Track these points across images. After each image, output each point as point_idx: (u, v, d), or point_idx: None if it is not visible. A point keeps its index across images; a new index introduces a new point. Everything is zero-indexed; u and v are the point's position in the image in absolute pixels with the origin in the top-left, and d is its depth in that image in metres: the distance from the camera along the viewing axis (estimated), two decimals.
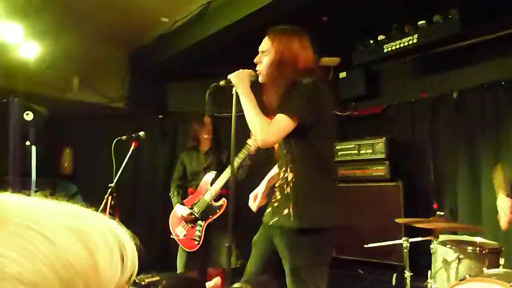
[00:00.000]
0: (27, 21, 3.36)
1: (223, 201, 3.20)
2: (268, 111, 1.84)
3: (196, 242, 3.23)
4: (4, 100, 3.00)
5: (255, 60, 1.89)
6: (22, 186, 3.71)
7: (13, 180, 3.58)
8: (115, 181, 2.99)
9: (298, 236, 1.77)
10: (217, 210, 3.21)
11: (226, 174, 3.15)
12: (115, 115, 5.02)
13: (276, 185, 1.90)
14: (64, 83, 4.43)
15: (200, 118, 3.44)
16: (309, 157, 1.80)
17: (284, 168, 1.83)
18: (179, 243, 3.38)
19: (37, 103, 3.96)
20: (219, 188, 3.19)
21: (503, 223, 2.52)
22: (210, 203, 3.23)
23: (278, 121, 1.74)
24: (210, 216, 3.22)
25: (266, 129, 1.75)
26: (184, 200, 3.43)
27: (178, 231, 3.40)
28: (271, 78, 1.85)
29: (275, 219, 1.84)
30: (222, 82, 1.88)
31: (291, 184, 1.78)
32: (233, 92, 1.87)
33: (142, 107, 5.02)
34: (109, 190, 2.95)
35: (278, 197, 1.85)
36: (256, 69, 1.88)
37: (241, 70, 1.87)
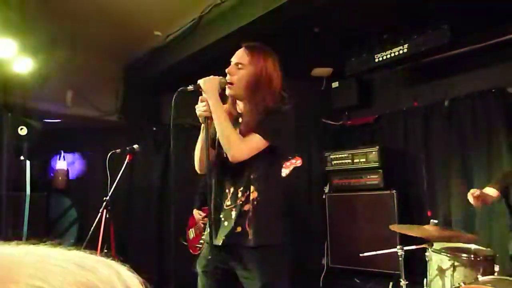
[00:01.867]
0: (21, 36, 3.38)
1: None
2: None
3: (198, 249, 3.45)
4: None
5: (228, 70, 1.84)
6: (15, 201, 3.70)
7: (7, 195, 3.56)
8: (109, 194, 2.99)
9: (257, 254, 1.74)
10: None
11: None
12: (109, 128, 5.02)
13: (229, 203, 1.82)
14: (58, 97, 4.43)
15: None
16: (273, 177, 1.83)
17: (243, 187, 1.79)
18: (188, 244, 3.64)
19: (32, 117, 3.98)
20: None
21: (473, 199, 2.56)
22: None
23: (252, 141, 1.75)
24: None
25: (238, 144, 1.75)
26: (203, 207, 3.55)
27: (190, 232, 3.67)
28: (242, 92, 1.83)
29: (228, 239, 1.77)
30: (190, 87, 1.81)
31: (254, 203, 1.77)
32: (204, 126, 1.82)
33: (136, 120, 5.02)
34: (104, 204, 2.94)
35: (233, 216, 1.79)
36: (228, 79, 1.83)
37: (211, 77, 1.82)
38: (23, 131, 3.82)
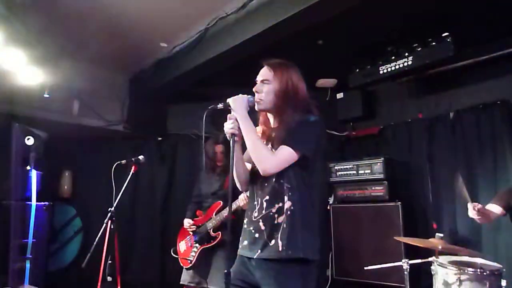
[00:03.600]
0: (29, 47, 3.42)
1: (218, 233, 3.34)
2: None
3: (189, 262, 3.38)
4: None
5: (255, 89, 1.91)
6: (21, 210, 3.72)
7: (13, 204, 3.59)
8: (114, 205, 3.00)
9: (287, 267, 1.73)
10: (212, 241, 3.34)
11: (224, 212, 3.32)
12: (115, 138, 5.05)
13: (256, 215, 1.84)
14: (65, 107, 4.48)
15: (213, 145, 3.52)
16: (306, 189, 1.83)
17: (273, 198, 1.81)
18: (179, 258, 3.57)
19: (38, 127, 4.02)
20: (219, 220, 3.33)
21: (475, 213, 2.53)
22: (209, 231, 3.36)
23: (283, 153, 1.77)
24: (205, 243, 3.36)
25: (269, 158, 1.77)
26: (195, 219, 3.55)
27: (181, 245, 3.59)
28: (271, 106, 1.88)
29: (258, 252, 1.78)
30: (220, 105, 1.86)
31: (288, 213, 1.77)
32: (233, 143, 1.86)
33: (141, 130, 5.05)
34: (109, 214, 2.95)
35: (262, 227, 1.80)
36: (256, 97, 1.89)
37: (240, 95, 1.87)
38: (30, 141, 3.86)
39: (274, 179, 1.81)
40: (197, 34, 3.81)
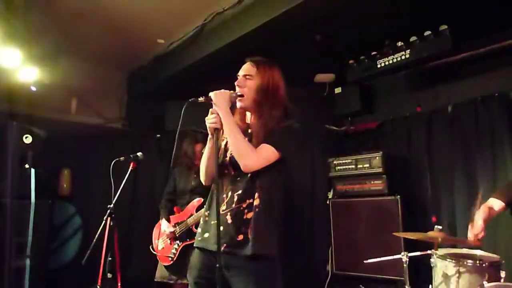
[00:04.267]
0: (26, 45, 3.41)
1: None
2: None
3: (170, 259, 3.38)
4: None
5: (237, 83, 1.92)
6: (20, 208, 3.72)
7: (12, 202, 3.58)
8: (113, 202, 3.00)
9: (257, 263, 1.73)
10: (195, 237, 3.29)
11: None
12: (114, 136, 5.05)
13: (224, 208, 1.83)
14: (63, 105, 4.47)
15: (192, 144, 3.52)
16: (277, 188, 1.86)
17: (245, 193, 1.81)
18: (157, 254, 3.55)
19: (36, 126, 4.01)
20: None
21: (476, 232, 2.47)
22: (191, 227, 3.37)
23: (266, 151, 1.80)
24: (188, 240, 3.36)
25: (251, 155, 1.78)
26: (171, 216, 3.56)
27: (159, 243, 3.57)
28: (252, 103, 1.89)
29: (224, 246, 1.76)
30: (201, 99, 1.85)
31: (256, 210, 1.77)
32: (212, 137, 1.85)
33: (139, 127, 5.05)
34: (108, 211, 2.96)
35: (229, 221, 1.80)
36: (238, 92, 1.90)
37: (222, 90, 1.87)
38: (28, 139, 3.85)
39: (248, 175, 1.82)
40: (194, 30, 3.80)
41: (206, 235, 1.87)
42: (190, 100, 1.84)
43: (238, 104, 1.90)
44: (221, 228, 1.75)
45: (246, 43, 3.46)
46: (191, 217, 3.39)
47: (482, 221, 2.47)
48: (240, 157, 1.79)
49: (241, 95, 1.89)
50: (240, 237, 1.77)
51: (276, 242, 1.82)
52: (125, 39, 4.05)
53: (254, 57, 1.98)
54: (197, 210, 3.39)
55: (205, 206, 1.98)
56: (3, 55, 3.34)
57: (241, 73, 1.94)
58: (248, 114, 1.97)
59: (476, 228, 2.47)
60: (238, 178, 1.85)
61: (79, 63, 4.33)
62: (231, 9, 3.42)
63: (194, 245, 1.93)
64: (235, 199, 1.82)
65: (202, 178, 1.97)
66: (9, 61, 3.41)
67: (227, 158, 1.90)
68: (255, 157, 1.78)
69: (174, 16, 3.65)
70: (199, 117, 2.01)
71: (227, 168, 1.89)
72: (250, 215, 1.79)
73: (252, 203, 1.79)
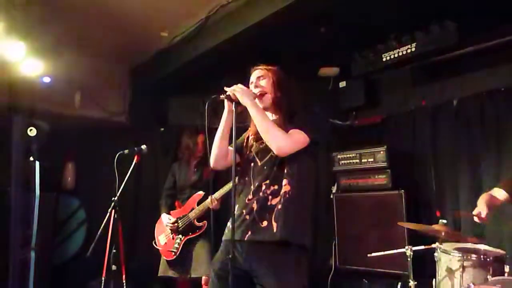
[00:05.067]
0: (29, 38, 3.41)
1: (203, 223, 3.38)
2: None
3: (173, 253, 3.39)
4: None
5: (254, 86, 1.97)
6: (25, 201, 3.74)
7: (16, 193, 3.60)
8: (117, 195, 3.01)
9: (282, 252, 1.70)
10: (197, 230, 3.39)
11: (208, 202, 3.33)
12: (117, 129, 5.05)
13: (250, 197, 1.83)
14: (66, 98, 4.47)
15: (194, 136, 3.52)
16: (309, 175, 1.87)
17: (272, 181, 1.81)
18: (159, 250, 3.56)
19: (40, 119, 4.02)
20: (203, 210, 3.35)
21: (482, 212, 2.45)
22: (193, 221, 3.38)
23: (297, 135, 1.80)
24: (190, 234, 3.39)
25: (284, 138, 1.78)
26: (171, 211, 3.57)
27: (161, 238, 3.58)
28: (273, 100, 1.93)
29: (249, 234, 1.75)
30: (222, 96, 1.86)
31: (286, 196, 1.76)
32: (232, 108, 1.86)
33: (143, 121, 5.05)
34: (112, 204, 2.97)
35: (254, 207, 1.78)
36: (258, 91, 1.93)
37: (243, 87, 1.88)
38: (32, 132, 3.86)
39: (275, 163, 1.82)
40: (198, 23, 3.78)
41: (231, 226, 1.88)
42: (212, 97, 1.86)
43: (261, 103, 1.93)
44: (247, 217, 1.78)
45: (250, 36, 3.44)
46: (193, 211, 3.40)
47: (484, 203, 2.44)
48: (273, 140, 1.78)
49: (264, 92, 1.92)
50: (264, 223, 1.75)
51: (307, 231, 1.80)
52: (128, 33, 4.04)
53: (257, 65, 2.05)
54: (198, 204, 3.40)
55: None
56: (7, 48, 3.34)
57: (253, 78, 1.99)
58: (268, 113, 1.97)
59: (478, 208, 2.46)
60: (265, 167, 1.86)
61: (82, 57, 4.33)
62: (235, 1, 3.39)
63: (223, 238, 1.92)
64: (263, 188, 1.82)
65: (212, 160, 1.97)
66: (13, 54, 3.42)
67: (252, 153, 1.93)
68: (289, 140, 1.79)
69: (177, 9, 3.63)
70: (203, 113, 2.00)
71: (253, 161, 1.92)
72: (275, 201, 1.77)
73: (278, 190, 1.78)
